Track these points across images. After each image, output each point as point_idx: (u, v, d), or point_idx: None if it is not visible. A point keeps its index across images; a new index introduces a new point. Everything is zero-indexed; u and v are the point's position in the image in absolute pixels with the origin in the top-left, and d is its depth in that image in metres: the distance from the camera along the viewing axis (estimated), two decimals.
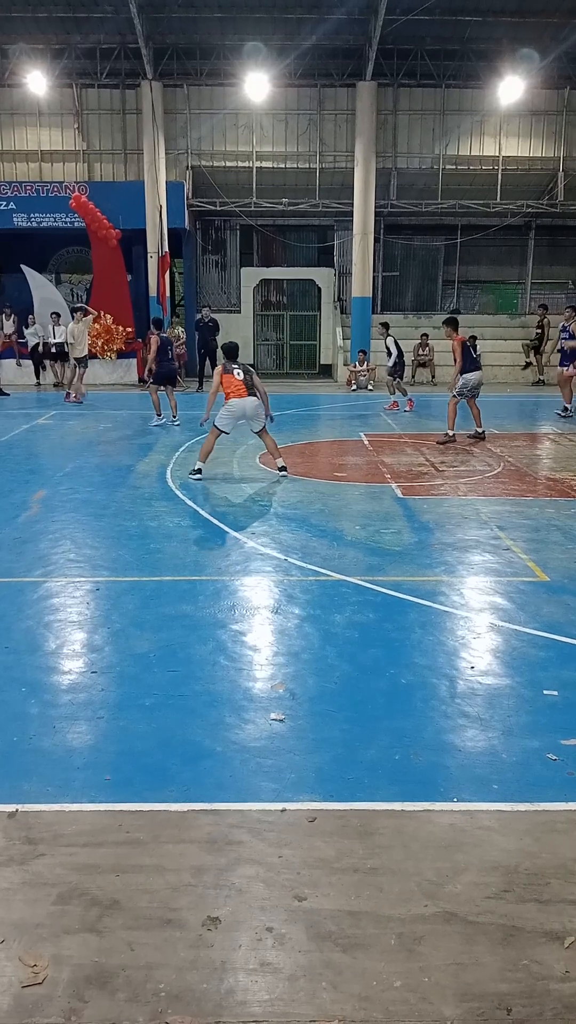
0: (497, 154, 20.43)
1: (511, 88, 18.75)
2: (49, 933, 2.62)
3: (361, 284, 20.67)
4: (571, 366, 14.12)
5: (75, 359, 16.86)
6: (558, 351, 14.71)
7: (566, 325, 14.34)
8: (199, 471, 9.33)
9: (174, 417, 13.36)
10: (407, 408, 15.65)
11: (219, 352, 14.80)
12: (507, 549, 6.73)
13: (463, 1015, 2.34)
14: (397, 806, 3.25)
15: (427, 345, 20.58)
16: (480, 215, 20.95)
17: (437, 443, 11.61)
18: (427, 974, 2.47)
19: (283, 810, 3.23)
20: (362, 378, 19.51)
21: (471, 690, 4.29)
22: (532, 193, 20.75)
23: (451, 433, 11.68)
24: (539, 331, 20.08)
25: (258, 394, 9.36)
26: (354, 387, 19.56)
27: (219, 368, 9.48)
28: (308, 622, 5.22)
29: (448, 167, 20.61)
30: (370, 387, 19.27)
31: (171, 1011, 2.34)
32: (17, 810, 3.23)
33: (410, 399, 15.96)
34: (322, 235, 22.27)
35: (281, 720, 3.93)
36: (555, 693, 4.25)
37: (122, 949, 2.55)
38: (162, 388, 13.63)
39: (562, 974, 2.46)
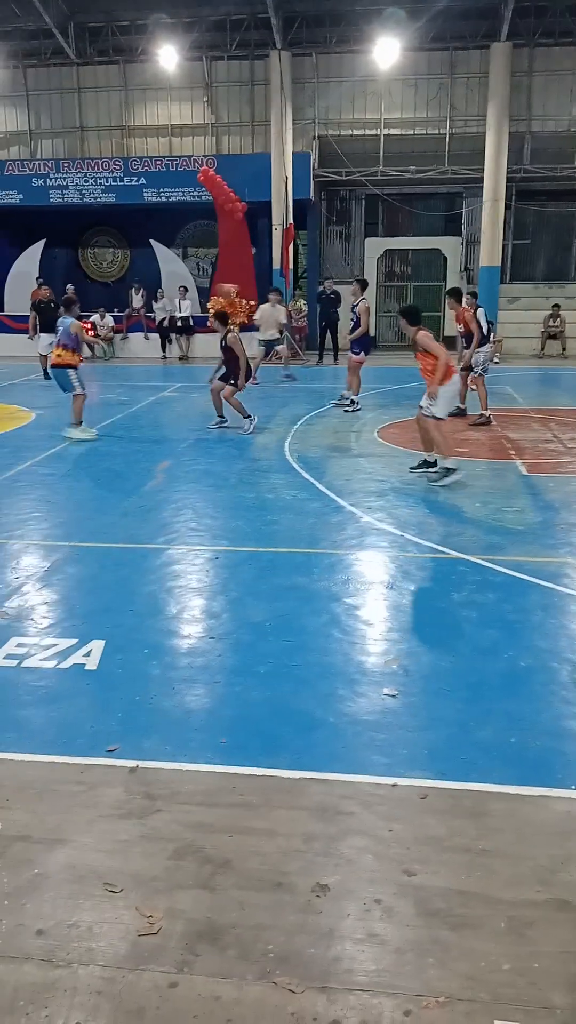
0: None
1: None
2: (164, 886, 2.73)
3: (490, 253, 20.02)
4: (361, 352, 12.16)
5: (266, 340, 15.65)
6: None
7: (354, 305, 12.09)
8: (450, 470, 7.85)
9: (249, 420, 10.64)
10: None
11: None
12: None
13: (573, 1004, 2.28)
14: (511, 789, 3.19)
15: (558, 316, 19.75)
16: None
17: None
18: (537, 960, 2.42)
19: (394, 785, 3.23)
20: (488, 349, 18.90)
21: None
22: None
23: (486, 414, 10.94)
24: None
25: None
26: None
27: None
28: (424, 599, 5.16)
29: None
30: (496, 359, 18.68)
31: (279, 972, 2.39)
32: (137, 766, 3.37)
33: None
34: (450, 203, 21.66)
35: (394, 695, 3.92)
36: None
37: (233, 908, 2.63)
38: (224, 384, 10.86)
39: None
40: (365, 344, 12.10)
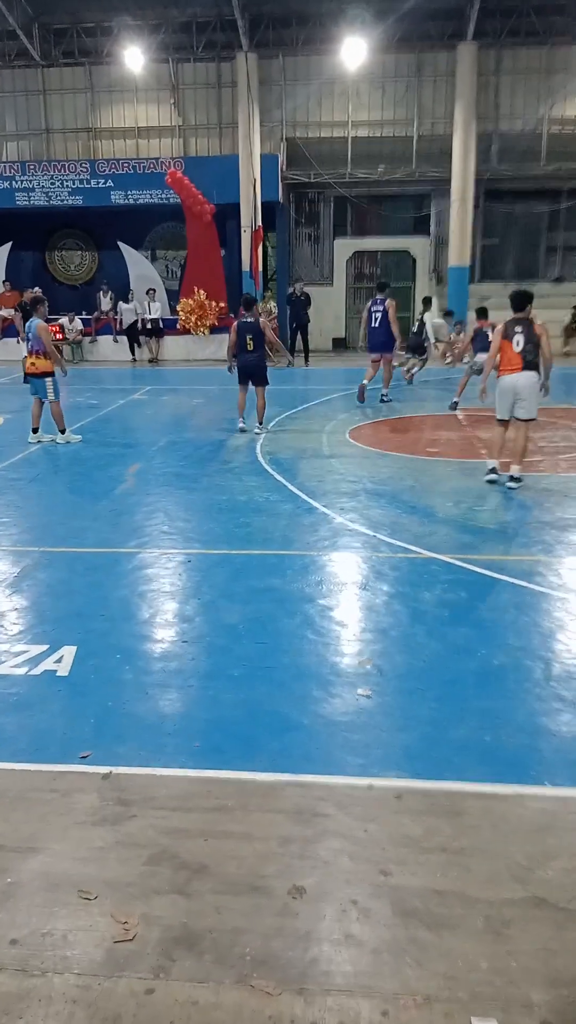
0: None
1: None
2: (140, 892, 2.70)
3: (459, 253, 20.14)
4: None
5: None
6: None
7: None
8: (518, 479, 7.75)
9: (259, 425, 10.64)
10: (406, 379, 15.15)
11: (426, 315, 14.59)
12: None
13: (551, 1001, 2.29)
14: (487, 787, 3.19)
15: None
16: None
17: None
18: (515, 958, 2.43)
19: (370, 786, 3.22)
20: (458, 350, 19.05)
21: (568, 673, 4.17)
22: None
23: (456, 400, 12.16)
24: None
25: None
26: (449, 359, 19.15)
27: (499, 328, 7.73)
28: (397, 599, 5.17)
29: (553, 129, 19.78)
30: (466, 359, 18.83)
31: (256, 975, 2.37)
32: (111, 772, 3.34)
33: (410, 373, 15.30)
34: (418, 204, 21.75)
35: (368, 696, 3.92)
36: None
37: (209, 912, 2.60)
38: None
39: None
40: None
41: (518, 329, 7.58)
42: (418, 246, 21.67)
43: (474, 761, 3.39)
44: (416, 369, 15.36)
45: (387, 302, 12.78)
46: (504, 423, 7.91)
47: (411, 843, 2.89)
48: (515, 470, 7.77)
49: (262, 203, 19.83)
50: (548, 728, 3.65)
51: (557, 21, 18.99)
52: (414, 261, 21.81)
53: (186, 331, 19.74)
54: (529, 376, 7.60)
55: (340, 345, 21.87)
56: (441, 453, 9.37)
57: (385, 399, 12.96)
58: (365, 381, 12.81)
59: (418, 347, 15.11)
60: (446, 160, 19.74)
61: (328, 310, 21.50)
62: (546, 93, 19.62)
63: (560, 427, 10.74)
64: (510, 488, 7.66)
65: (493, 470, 7.93)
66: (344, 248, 21.85)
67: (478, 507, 7.13)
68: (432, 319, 15.21)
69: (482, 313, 12.28)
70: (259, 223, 19.86)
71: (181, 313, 19.72)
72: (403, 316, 21.35)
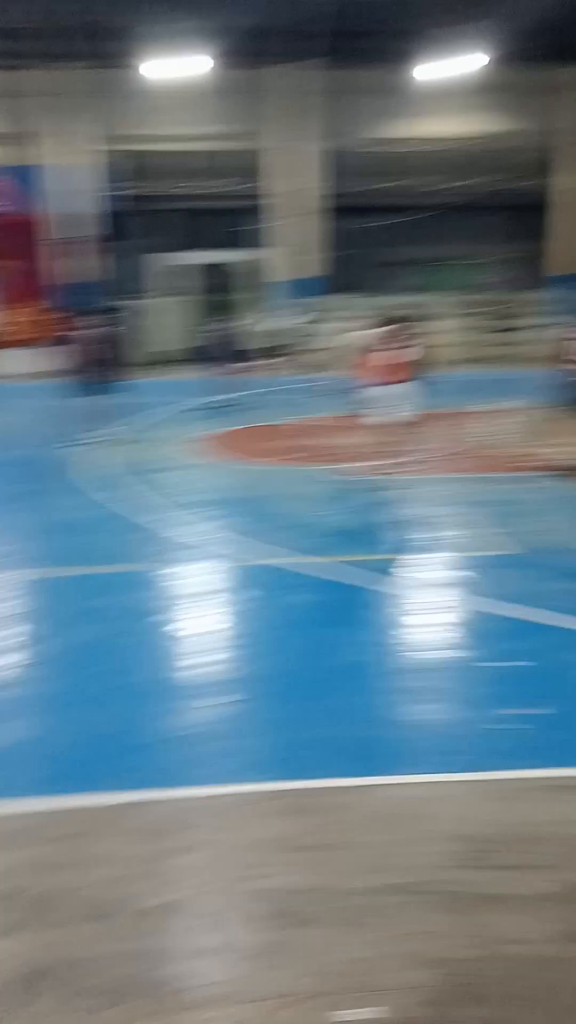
0: (449, 133, 20.40)
1: (471, 63, 18.64)
2: None
3: (305, 266, 20.53)
4: None
5: None
6: None
7: None
8: None
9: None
10: None
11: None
12: (472, 524, 6.70)
13: (416, 983, 2.32)
14: (347, 782, 3.22)
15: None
16: (431, 194, 20.91)
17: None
18: (381, 946, 2.45)
19: (231, 793, 3.18)
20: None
21: (432, 665, 4.28)
22: (486, 171, 20.75)
23: None
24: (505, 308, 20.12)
25: None
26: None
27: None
28: (251, 607, 5.16)
29: (397, 147, 20.57)
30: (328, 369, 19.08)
31: (132, 996, 2.29)
32: None
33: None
34: (258, 217, 21.86)
35: (228, 704, 3.88)
36: (522, 664, 4.23)
37: (69, 943, 2.49)
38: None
39: (516, 936, 2.46)
40: None
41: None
42: (260, 258, 21.74)
43: (335, 757, 3.42)
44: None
45: (237, 317, 13.14)
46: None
47: (274, 845, 2.88)
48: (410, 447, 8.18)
49: (88, 214, 19.42)
50: (405, 719, 3.74)
51: (401, 46, 19.77)
52: (256, 274, 21.87)
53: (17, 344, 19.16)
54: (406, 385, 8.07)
55: (171, 358, 21.38)
56: (293, 460, 9.40)
57: (223, 406, 13.08)
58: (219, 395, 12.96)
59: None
60: (287, 174, 20.11)
61: (169, 324, 21.10)
62: (390, 113, 20.37)
63: (425, 429, 11.03)
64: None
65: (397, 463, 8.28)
66: (174, 261, 21.60)
67: (327, 510, 7.20)
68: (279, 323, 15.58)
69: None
70: (76, 234, 19.45)
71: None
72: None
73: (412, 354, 8.09)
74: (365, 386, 8.19)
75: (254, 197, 20.88)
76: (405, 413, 8.06)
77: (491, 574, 5.56)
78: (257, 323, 13.44)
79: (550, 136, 20.06)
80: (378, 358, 8.02)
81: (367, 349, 8.73)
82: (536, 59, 20.23)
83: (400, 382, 8.01)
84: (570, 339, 8.48)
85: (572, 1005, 2.22)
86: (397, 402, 8.06)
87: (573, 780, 3.22)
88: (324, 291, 20.67)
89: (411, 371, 8.07)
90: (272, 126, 20.43)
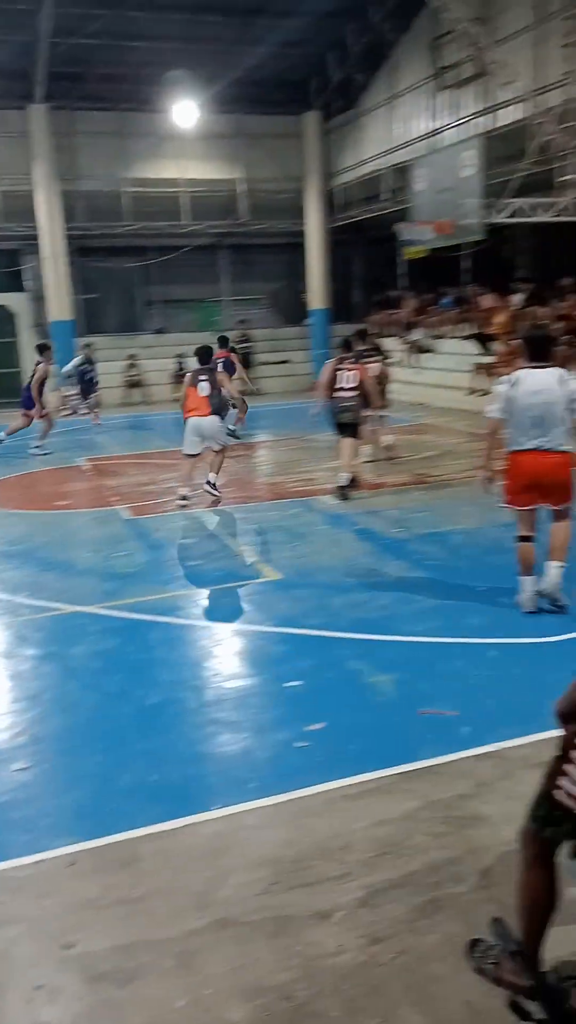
0: (180, 176, 20.97)
1: (186, 112, 19.31)
2: None
3: (59, 307, 20.18)
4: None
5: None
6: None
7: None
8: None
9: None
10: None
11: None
12: (238, 555, 6.93)
13: (249, 1015, 2.36)
14: (158, 827, 3.20)
15: (135, 365, 20.62)
16: (171, 236, 21.37)
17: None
18: (208, 985, 2.46)
19: (40, 860, 3.05)
20: (74, 402, 19.02)
21: (219, 697, 4.36)
22: (218, 213, 21.55)
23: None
24: (247, 345, 20.90)
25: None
26: (67, 411, 19.00)
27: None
28: (45, 660, 4.99)
29: (134, 189, 20.80)
30: (83, 411, 18.88)
31: None
32: None
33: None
34: (12, 259, 21.37)
35: (26, 768, 3.71)
36: (297, 683, 4.44)
37: None
38: None
39: (335, 948, 2.57)
40: None
41: (202, 377, 8.73)
42: (15, 301, 21.27)
43: (144, 804, 3.39)
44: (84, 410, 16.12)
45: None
46: (192, 457, 8.80)
47: (90, 905, 2.79)
48: (212, 477, 8.73)
49: None
50: (209, 753, 3.78)
51: (124, 89, 20.07)
52: (14, 316, 21.35)
53: None
54: (212, 419, 8.78)
55: None
56: (72, 505, 9.26)
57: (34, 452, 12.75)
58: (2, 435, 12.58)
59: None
60: (32, 216, 19.73)
61: None
62: (122, 155, 20.56)
63: (172, 468, 11.22)
64: (210, 488, 8.65)
65: (184, 496, 8.64)
66: None
67: (115, 553, 7.16)
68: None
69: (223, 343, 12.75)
70: None
71: None
72: (12, 371, 20.85)
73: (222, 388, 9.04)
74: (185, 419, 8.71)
75: (15, 239, 20.22)
76: (209, 445, 8.78)
77: (258, 600, 5.79)
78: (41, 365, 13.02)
79: (299, 180, 21.30)
80: (192, 393, 8.74)
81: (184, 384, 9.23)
82: (279, 108, 21.54)
83: (203, 416, 8.69)
84: (339, 370, 8.82)
85: (399, 999, 2.38)
86: (198, 436, 8.70)
87: (359, 786, 3.43)
88: (75, 333, 20.37)
89: (212, 406, 8.72)
90: (14, 168, 19.83)
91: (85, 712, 4.28)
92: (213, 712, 4.17)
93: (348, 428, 8.85)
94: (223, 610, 5.72)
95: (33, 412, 12.79)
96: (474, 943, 2.47)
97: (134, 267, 22.21)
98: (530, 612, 5.14)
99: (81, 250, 21.19)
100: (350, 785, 3.43)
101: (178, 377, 20.89)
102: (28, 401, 12.83)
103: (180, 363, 20.60)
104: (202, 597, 6.00)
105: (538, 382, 5.02)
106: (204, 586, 6.24)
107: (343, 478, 8.71)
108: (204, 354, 9.24)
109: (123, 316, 22.56)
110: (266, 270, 23.35)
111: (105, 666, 4.87)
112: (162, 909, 2.77)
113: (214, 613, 5.69)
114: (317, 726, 3.94)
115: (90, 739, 3.97)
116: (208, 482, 8.68)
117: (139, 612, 5.65)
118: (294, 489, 9.42)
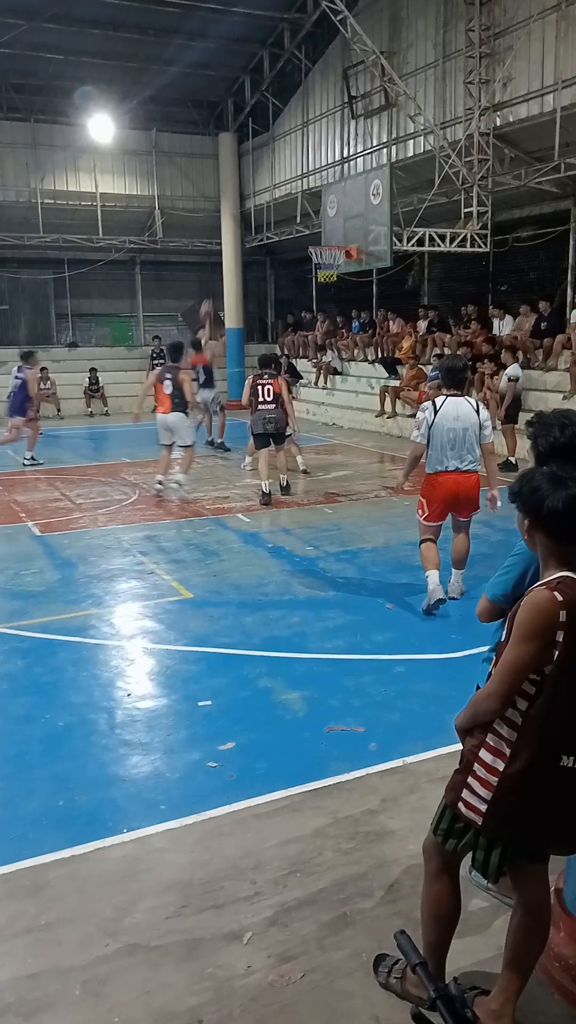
0: (95, 190, 20.79)
1: (101, 126, 19.19)
2: None
3: None
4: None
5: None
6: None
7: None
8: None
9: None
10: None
11: None
12: (151, 573, 6.88)
13: None
14: (66, 853, 3.15)
15: (48, 379, 20.25)
16: (85, 249, 21.13)
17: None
18: (116, 1013, 2.43)
19: None
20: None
21: (130, 717, 4.32)
22: (133, 229, 21.44)
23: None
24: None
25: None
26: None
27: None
28: None
29: (47, 201, 20.49)
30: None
31: None
32: None
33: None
34: None
35: None
36: (209, 703, 4.44)
37: None
38: None
39: (244, 970, 2.58)
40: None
41: (168, 376, 9.83)
42: None
43: (51, 829, 3.32)
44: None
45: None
46: (165, 447, 10.17)
47: None
48: (181, 477, 10.04)
49: None
50: (119, 775, 3.74)
51: (37, 100, 19.83)
52: None
53: None
54: (177, 416, 9.89)
55: None
56: None
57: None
58: None
59: None
60: None
61: None
62: (35, 167, 20.26)
63: (95, 483, 11.09)
64: (176, 486, 9.89)
65: (160, 482, 9.94)
66: None
67: (24, 571, 7.01)
68: None
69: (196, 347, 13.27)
70: None
71: None
72: None
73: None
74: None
75: None
76: (175, 441, 10.03)
77: (171, 619, 5.78)
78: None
79: (215, 200, 21.35)
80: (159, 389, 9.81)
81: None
82: (195, 128, 21.60)
83: (166, 413, 9.88)
84: (258, 384, 9.64)
85: (308, 1017, 2.40)
86: (166, 430, 9.98)
87: (269, 805, 3.46)
88: None
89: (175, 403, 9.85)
90: None
91: None
92: (124, 733, 4.13)
93: (274, 438, 9.72)
94: (135, 629, 5.67)
95: (17, 421, 12.39)
96: (380, 958, 2.54)
97: (47, 279, 21.87)
98: (439, 600, 5.60)
99: None
100: (260, 804, 3.46)
101: (89, 392, 20.65)
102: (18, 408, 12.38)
103: (92, 377, 20.35)
104: (114, 616, 5.93)
105: (457, 409, 5.60)
106: (116, 604, 6.17)
107: (265, 485, 9.47)
108: (174, 352, 10.27)
109: (35, 329, 22.15)
110: (181, 288, 23.34)
111: (12, 688, 4.76)
112: (70, 936, 2.72)
113: (126, 632, 5.62)
114: (228, 745, 3.96)
115: None
116: (158, 480, 9.86)
117: (48, 632, 5.56)
118: (208, 506, 9.43)
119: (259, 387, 9.57)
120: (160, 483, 9.89)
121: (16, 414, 12.41)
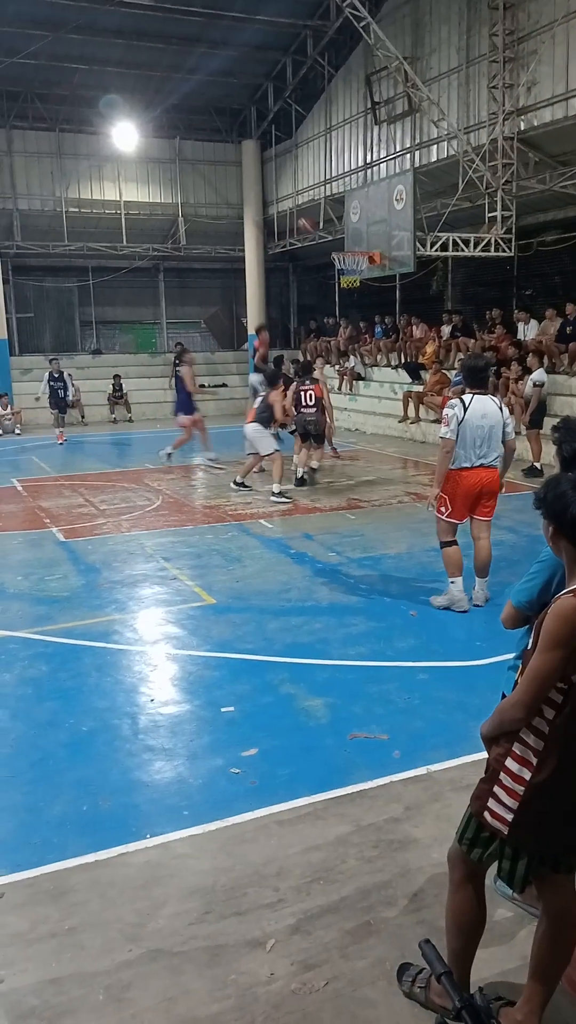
0: (119, 198, 20.96)
1: (125, 135, 19.37)
2: None
3: None
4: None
5: None
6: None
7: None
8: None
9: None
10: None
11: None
12: (174, 578, 6.90)
13: None
14: (90, 858, 3.16)
15: (73, 386, 20.41)
16: (109, 257, 21.31)
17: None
18: (139, 1018, 2.43)
19: None
20: (7, 422, 18.76)
21: (153, 723, 4.33)
22: (157, 237, 21.59)
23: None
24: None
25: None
26: None
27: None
28: None
29: (71, 210, 20.69)
30: (17, 431, 18.62)
31: None
32: None
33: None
34: None
35: None
36: (231, 709, 4.44)
37: None
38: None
39: (267, 977, 2.57)
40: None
41: (261, 391, 10.72)
42: None
43: (75, 834, 3.34)
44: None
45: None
46: (251, 454, 10.60)
47: (18, 940, 2.73)
48: (275, 488, 10.03)
49: None
50: (142, 780, 3.75)
51: (62, 110, 20.04)
52: None
53: None
54: (253, 426, 10.32)
55: None
56: (3, 527, 9.09)
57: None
58: None
59: None
60: None
61: None
62: (60, 176, 20.47)
63: (118, 489, 11.16)
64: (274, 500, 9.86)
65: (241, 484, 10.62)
66: None
67: (49, 576, 7.06)
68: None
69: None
70: None
71: None
72: None
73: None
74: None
75: None
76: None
77: (194, 624, 5.79)
78: None
79: (238, 207, 21.46)
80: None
81: None
82: (218, 136, 21.72)
83: (247, 423, 10.36)
84: (301, 390, 10.68)
85: None
86: (246, 439, 10.39)
87: (292, 812, 3.45)
88: (9, 353, 20.11)
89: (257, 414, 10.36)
90: None
91: (13, 741, 4.20)
92: (147, 739, 4.14)
93: (315, 438, 10.93)
94: (158, 634, 5.69)
95: (183, 420, 12.61)
96: (404, 967, 2.51)
97: (71, 287, 22.06)
98: (462, 611, 5.77)
99: (17, 269, 20.98)
100: (283, 811, 3.45)
101: (113, 399, 20.80)
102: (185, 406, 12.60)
103: (115, 384, 20.49)
104: (137, 621, 5.96)
105: (484, 407, 5.66)
106: (139, 610, 6.19)
107: (299, 471, 10.84)
108: (303, 369, 11.40)
109: (59, 336, 22.36)
110: (204, 294, 23.45)
111: (36, 693, 4.79)
112: (93, 941, 2.73)
113: (149, 637, 5.64)
114: (251, 752, 3.95)
115: (18, 769, 3.89)
116: (273, 492, 10.01)
117: (72, 637, 5.59)
118: (230, 512, 9.45)
119: (302, 393, 10.74)
120: (275, 494, 9.96)
121: (183, 411, 12.60)
